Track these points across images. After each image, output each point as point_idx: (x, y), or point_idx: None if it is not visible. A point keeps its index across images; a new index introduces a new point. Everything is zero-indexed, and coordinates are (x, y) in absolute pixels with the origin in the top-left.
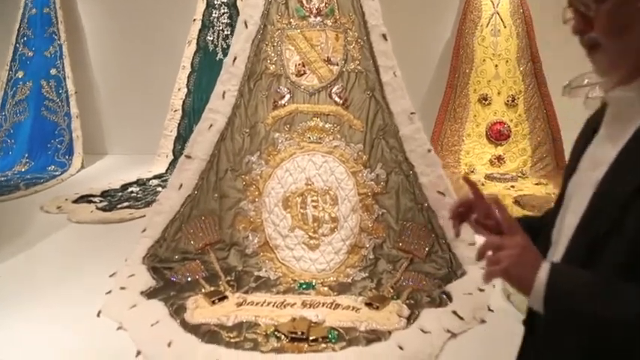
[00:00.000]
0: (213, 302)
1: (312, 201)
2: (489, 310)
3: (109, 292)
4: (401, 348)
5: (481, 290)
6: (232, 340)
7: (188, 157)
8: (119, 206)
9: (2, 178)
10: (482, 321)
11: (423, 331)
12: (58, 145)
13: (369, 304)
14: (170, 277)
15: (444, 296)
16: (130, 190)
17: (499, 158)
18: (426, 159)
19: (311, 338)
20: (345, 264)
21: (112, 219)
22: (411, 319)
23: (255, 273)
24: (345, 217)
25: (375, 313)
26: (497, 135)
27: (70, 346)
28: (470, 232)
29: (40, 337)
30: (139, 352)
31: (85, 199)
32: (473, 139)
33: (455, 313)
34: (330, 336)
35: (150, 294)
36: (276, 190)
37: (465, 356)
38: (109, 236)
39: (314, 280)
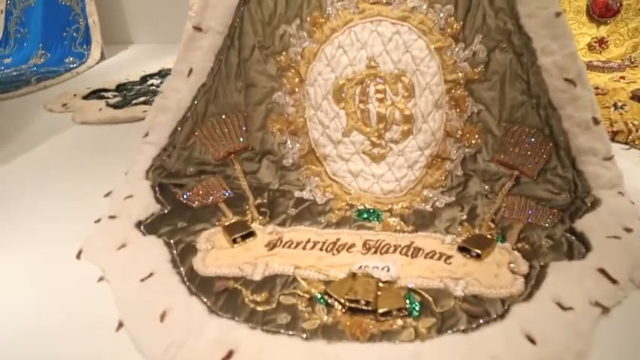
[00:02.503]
0: (235, 241)
1: (377, 92)
2: None
3: (99, 220)
4: (531, 340)
5: (628, 231)
6: (259, 308)
7: (198, 29)
8: (134, 102)
9: (15, 73)
10: None
11: (561, 306)
12: (74, 34)
13: (464, 249)
14: (181, 197)
15: (574, 239)
16: (149, 82)
17: (601, 41)
18: (552, 28)
19: (380, 311)
20: (423, 183)
21: (122, 118)
22: (531, 279)
23: (296, 194)
24: (425, 116)
25: (475, 264)
26: (603, 10)
27: (35, 298)
28: (605, 141)
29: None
30: (120, 325)
31: (97, 94)
32: (569, 16)
33: (603, 272)
34: (410, 306)
35: (149, 225)
36: (325, 76)
37: (625, 346)
38: (116, 139)
39: (379, 207)
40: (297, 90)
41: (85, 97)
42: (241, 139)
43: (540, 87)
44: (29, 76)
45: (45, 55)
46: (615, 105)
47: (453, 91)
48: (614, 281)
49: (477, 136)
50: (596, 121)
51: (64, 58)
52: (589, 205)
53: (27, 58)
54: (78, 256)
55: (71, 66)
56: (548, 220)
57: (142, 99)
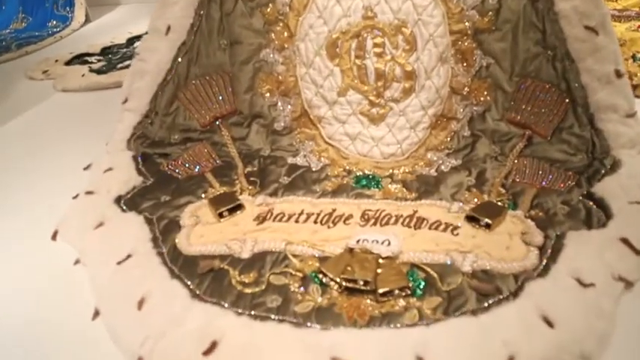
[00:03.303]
0: (221, 215)
1: (375, 45)
2: None
3: (76, 196)
4: (549, 323)
5: None
6: (247, 291)
7: None
8: (119, 66)
9: None
10: None
11: (581, 282)
12: None
13: (472, 219)
14: (165, 168)
15: (593, 205)
16: (136, 44)
17: None
18: None
19: (380, 291)
20: (426, 145)
21: (106, 83)
22: (546, 251)
23: (289, 160)
24: (428, 72)
25: (485, 235)
26: None
27: (8, 283)
28: (627, 96)
29: None
30: (96, 313)
31: (80, 59)
32: None
33: (626, 242)
34: (413, 284)
35: (130, 201)
36: (317, 30)
37: None
38: (100, 107)
39: (378, 173)
40: (286, 46)
41: (68, 63)
42: (228, 103)
43: (557, 36)
44: (9, 42)
45: (26, 19)
46: (634, 56)
47: (460, 43)
48: (638, 252)
49: (485, 93)
50: (618, 74)
51: (46, 22)
52: (608, 167)
53: (7, 23)
54: (54, 237)
55: (54, 30)
56: (564, 184)
57: (127, 63)
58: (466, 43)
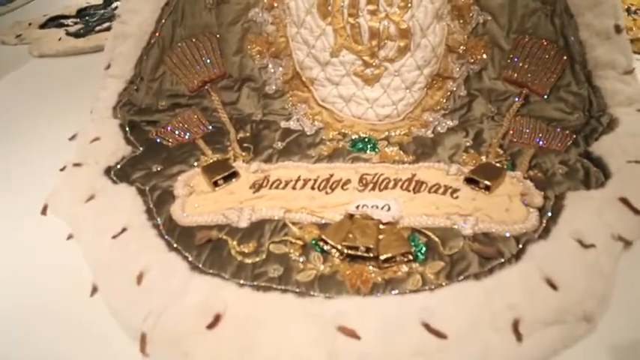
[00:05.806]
0: (216, 184)
1: (369, 2)
2: None
3: (63, 168)
4: (552, 285)
5: None
6: (247, 261)
7: None
8: (98, 28)
9: None
10: None
11: (582, 244)
12: None
13: (471, 181)
14: (154, 136)
15: (591, 165)
16: (114, 5)
17: None
18: None
19: (382, 257)
20: (422, 106)
21: (85, 47)
22: (546, 212)
23: (282, 124)
24: (424, 29)
25: (485, 198)
26: None
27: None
28: (626, 52)
29: None
30: (95, 289)
31: (55, 21)
32: None
33: (625, 201)
34: (415, 248)
35: (120, 171)
36: None
37: None
38: (80, 73)
39: (374, 135)
40: (275, 5)
41: (42, 26)
42: (217, 66)
43: None
44: None
45: None
46: (628, 10)
47: None
48: (637, 211)
49: (482, 51)
50: (618, 29)
51: None
52: (605, 125)
53: None
54: (44, 212)
55: None
56: (561, 144)
57: (106, 25)
58: (462, 0)
